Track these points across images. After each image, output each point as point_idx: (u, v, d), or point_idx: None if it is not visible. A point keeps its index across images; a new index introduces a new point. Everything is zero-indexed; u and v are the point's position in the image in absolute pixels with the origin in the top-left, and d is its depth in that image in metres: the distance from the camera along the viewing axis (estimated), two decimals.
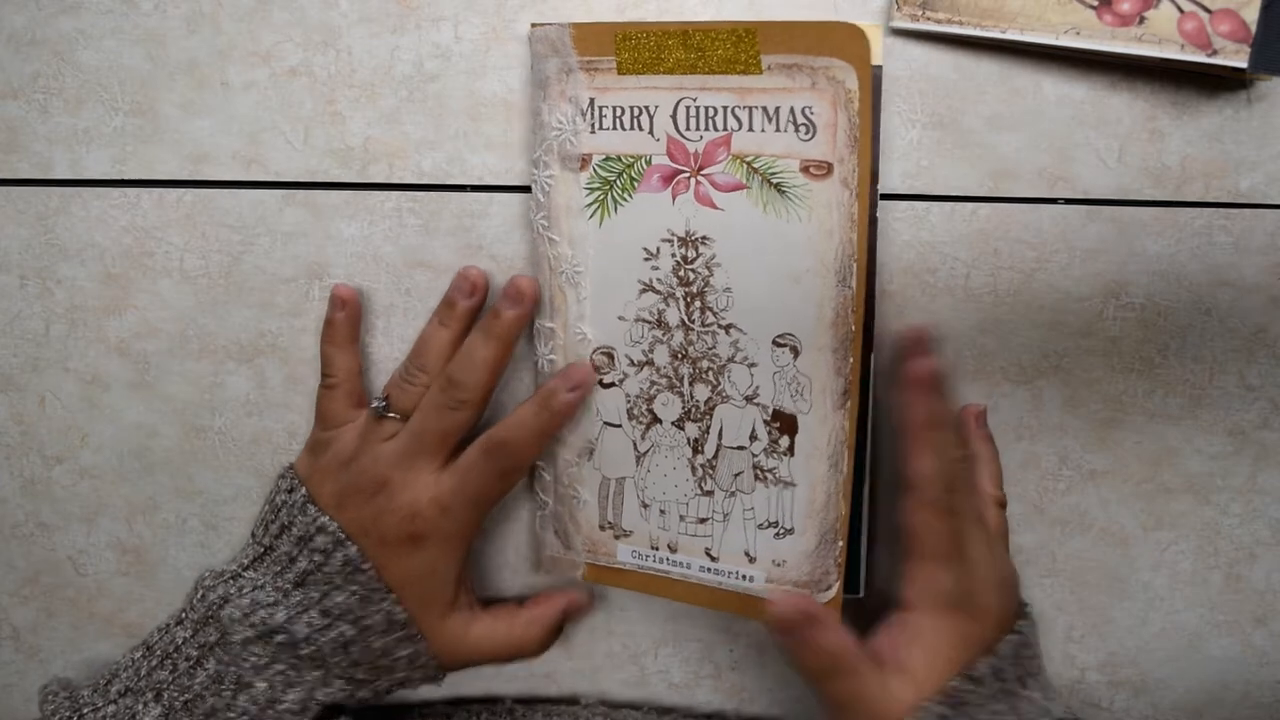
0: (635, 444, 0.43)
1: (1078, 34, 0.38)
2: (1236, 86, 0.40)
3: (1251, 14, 0.36)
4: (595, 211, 0.41)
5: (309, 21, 0.42)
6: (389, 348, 0.45)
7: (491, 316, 0.41)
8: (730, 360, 0.41)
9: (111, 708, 0.40)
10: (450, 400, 0.41)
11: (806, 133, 0.38)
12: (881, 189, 0.41)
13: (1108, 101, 0.40)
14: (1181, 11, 0.37)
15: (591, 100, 0.40)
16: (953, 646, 0.38)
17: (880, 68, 0.39)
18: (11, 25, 0.42)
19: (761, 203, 0.39)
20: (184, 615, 0.43)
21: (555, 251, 0.42)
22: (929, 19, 0.39)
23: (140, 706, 0.40)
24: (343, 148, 0.43)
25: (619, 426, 0.43)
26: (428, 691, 0.49)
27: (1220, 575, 0.46)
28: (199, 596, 0.42)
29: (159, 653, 0.42)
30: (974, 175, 0.41)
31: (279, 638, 0.40)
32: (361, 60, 0.42)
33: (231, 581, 0.42)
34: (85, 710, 0.40)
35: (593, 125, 0.40)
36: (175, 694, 0.40)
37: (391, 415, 0.42)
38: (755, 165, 0.39)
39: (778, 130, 0.38)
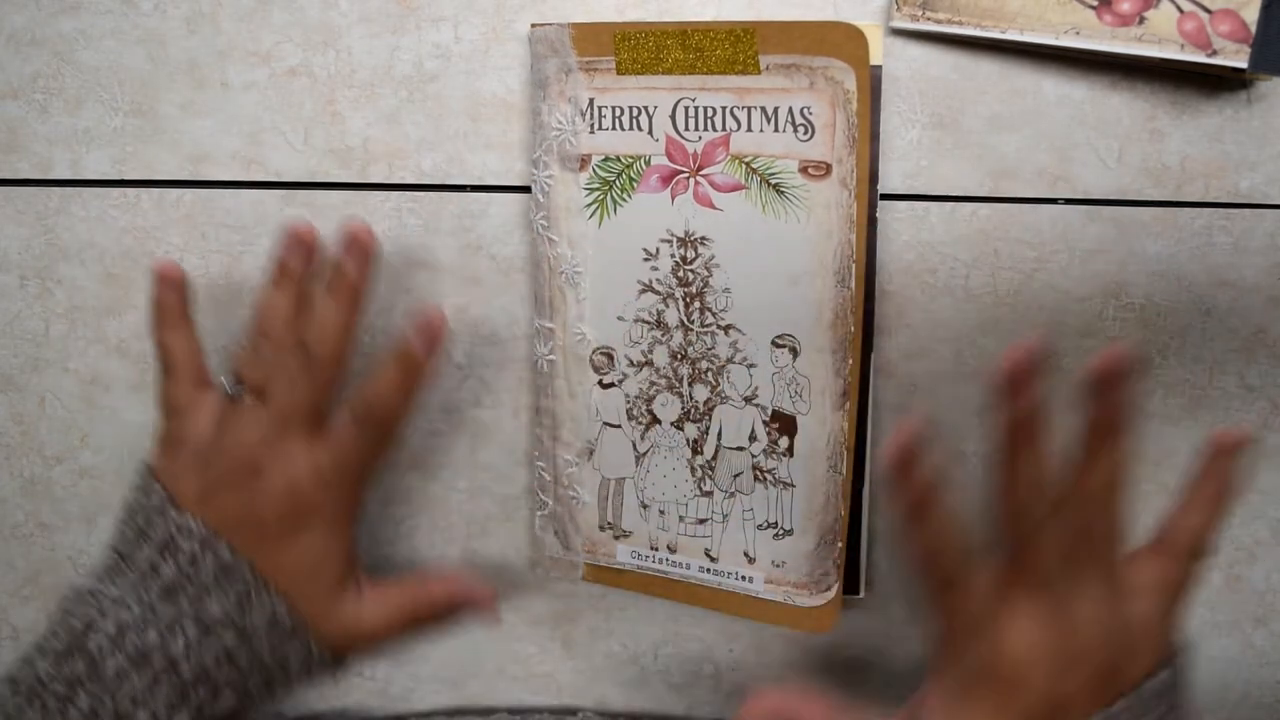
0: (635, 444, 0.43)
1: (1078, 34, 0.38)
2: (1236, 86, 0.40)
3: (1251, 14, 0.36)
4: (595, 212, 0.41)
5: (309, 21, 0.42)
6: (390, 348, 0.45)
7: (337, 275, 0.38)
8: (729, 361, 0.41)
9: None
10: (308, 369, 0.38)
11: (805, 133, 0.38)
12: (881, 189, 0.41)
13: (1108, 101, 0.40)
14: (1181, 11, 0.37)
15: (591, 100, 0.40)
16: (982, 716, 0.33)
17: (879, 67, 0.39)
18: (11, 25, 0.42)
19: (760, 203, 0.39)
20: (44, 642, 0.37)
21: (555, 252, 0.42)
22: (929, 19, 0.39)
23: None
24: (343, 148, 0.43)
25: (618, 427, 0.43)
26: (421, 701, 0.49)
27: (1220, 575, 0.46)
28: (59, 619, 0.37)
29: (24, 689, 0.36)
30: (974, 175, 0.41)
31: (156, 660, 0.36)
32: (361, 60, 0.42)
33: (91, 601, 0.37)
34: None
35: (592, 125, 0.40)
36: None
37: (245, 393, 0.38)
38: (754, 166, 0.39)
39: (776, 131, 0.38)
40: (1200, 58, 0.37)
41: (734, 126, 0.39)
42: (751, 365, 0.41)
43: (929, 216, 0.42)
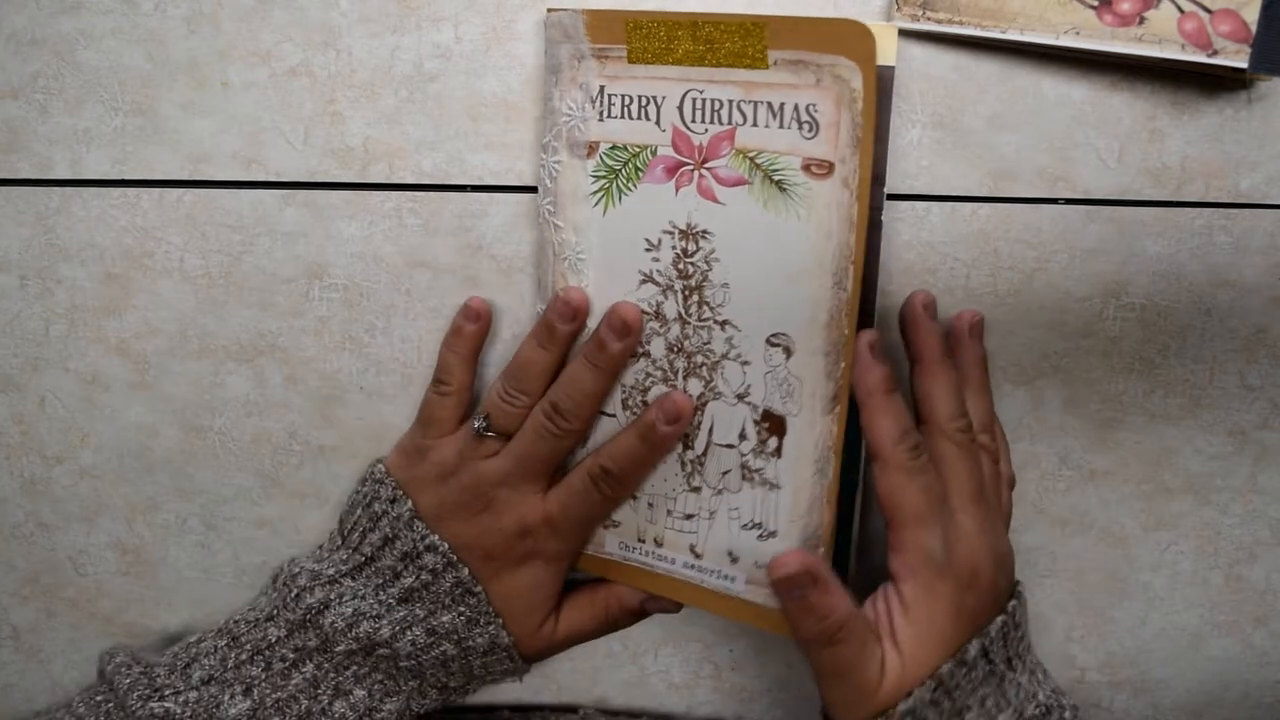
0: None
1: (1078, 34, 0.38)
2: (1236, 86, 0.40)
3: (1251, 14, 0.36)
4: (600, 199, 0.41)
5: (309, 21, 0.42)
6: (390, 348, 0.45)
7: (597, 347, 0.40)
8: (724, 357, 0.40)
9: (194, 694, 0.40)
10: (556, 428, 0.40)
11: (809, 130, 0.37)
12: (885, 189, 0.41)
13: (1108, 101, 0.40)
14: (1181, 11, 0.37)
15: (601, 88, 0.40)
16: (946, 618, 0.37)
17: (892, 68, 0.39)
18: (11, 25, 0.42)
19: (762, 199, 0.38)
20: (275, 612, 0.43)
21: (559, 238, 0.42)
22: (929, 19, 0.39)
23: (227, 698, 0.40)
24: (343, 148, 0.43)
25: (613, 416, 0.43)
26: None
27: (1220, 575, 0.46)
28: (293, 595, 0.42)
29: (249, 647, 0.42)
30: (974, 175, 0.41)
31: (381, 651, 0.41)
32: (361, 60, 0.42)
33: (330, 586, 0.42)
34: (166, 691, 0.40)
35: (601, 113, 0.40)
36: (267, 691, 0.41)
37: (491, 434, 0.41)
38: (758, 161, 0.38)
39: (781, 127, 0.38)
40: (1200, 58, 0.37)
41: (740, 120, 0.38)
42: (745, 362, 0.40)
43: (929, 216, 0.42)
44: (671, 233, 0.40)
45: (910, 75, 0.40)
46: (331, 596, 0.42)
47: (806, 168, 0.38)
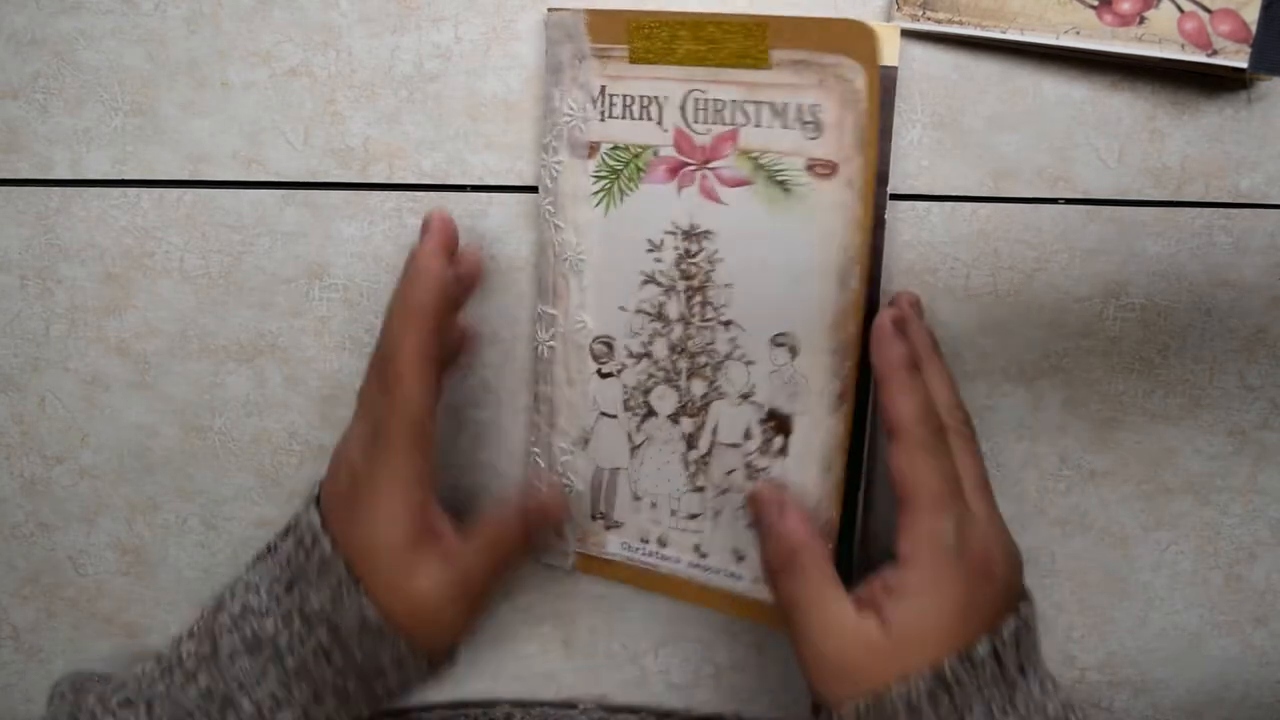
0: (630, 435, 0.43)
1: (1078, 34, 0.38)
2: (1236, 86, 0.40)
3: (1251, 14, 0.36)
4: (601, 200, 0.41)
5: (309, 21, 0.42)
6: None
7: (403, 296, 0.37)
8: (728, 357, 0.41)
9: (109, 718, 0.39)
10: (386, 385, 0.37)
11: (813, 131, 0.37)
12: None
13: (1108, 101, 0.40)
14: (1181, 11, 0.37)
15: (603, 88, 0.40)
16: (954, 607, 0.34)
17: (895, 69, 0.39)
18: (11, 25, 0.42)
19: (766, 200, 0.39)
20: (195, 625, 0.41)
21: (560, 238, 0.42)
22: (929, 19, 0.39)
23: (131, 718, 0.38)
24: (343, 148, 0.43)
25: (614, 417, 0.43)
26: (425, 695, 0.49)
27: (1220, 575, 0.46)
28: (212, 602, 0.41)
29: (164, 663, 0.40)
30: (974, 175, 0.41)
31: (266, 649, 0.38)
32: (361, 60, 0.42)
33: (235, 583, 0.40)
34: (82, 717, 0.39)
35: (602, 113, 0.40)
36: (165, 707, 0.38)
37: None
38: (761, 162, 0.38)
39: (785, 127, 0.38)
40: (1200, 58, 0.37)
41: (743, 121, 0.38)
42: (750, 362, 0.40)
43: (929, 216, 0.42)
44: (674, 233, 0.40)
45: (910, 75, 0.40)
46: (226, 595, 0.40)
47: (810, 168, 0.38)
